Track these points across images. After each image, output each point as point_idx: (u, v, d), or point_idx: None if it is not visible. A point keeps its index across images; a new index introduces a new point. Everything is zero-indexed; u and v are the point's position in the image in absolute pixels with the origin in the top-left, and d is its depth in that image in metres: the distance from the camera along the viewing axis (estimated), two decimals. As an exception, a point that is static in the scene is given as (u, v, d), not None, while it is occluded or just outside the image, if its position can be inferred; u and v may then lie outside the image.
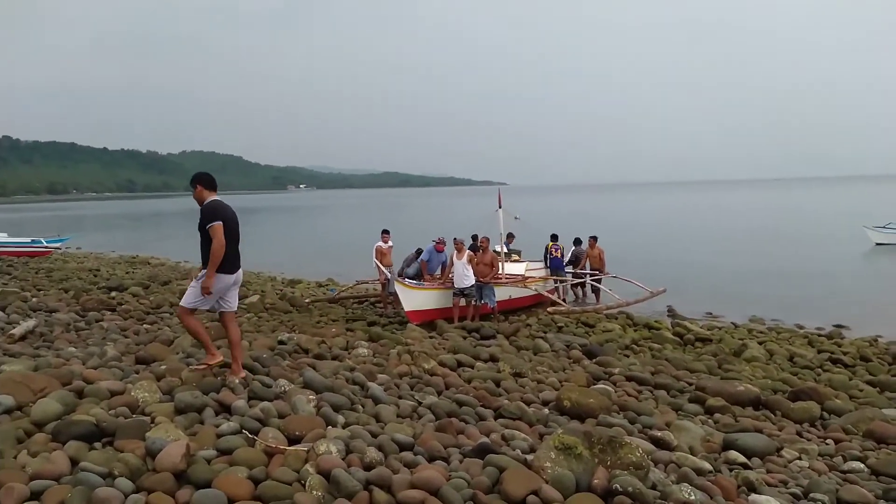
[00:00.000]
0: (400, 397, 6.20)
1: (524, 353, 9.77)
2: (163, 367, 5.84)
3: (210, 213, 5.49)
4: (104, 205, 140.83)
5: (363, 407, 5.55)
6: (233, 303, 5.82)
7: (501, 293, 13.38)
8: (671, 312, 15.35)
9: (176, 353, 6.86)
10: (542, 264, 16.30)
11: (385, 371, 7.23)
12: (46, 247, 25.03)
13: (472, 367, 8.35)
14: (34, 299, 11.32)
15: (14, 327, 8.00)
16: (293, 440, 4.38)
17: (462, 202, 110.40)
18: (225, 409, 4.87)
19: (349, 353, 8.07)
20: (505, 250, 15.30)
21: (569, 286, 16.23)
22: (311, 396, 5.18)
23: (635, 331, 12.69)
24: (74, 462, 3.73)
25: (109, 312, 10.47)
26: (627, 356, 10.33)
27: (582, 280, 15.93)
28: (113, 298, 12.08)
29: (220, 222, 5.43)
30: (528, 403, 6.71)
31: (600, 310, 14.06)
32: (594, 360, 9.59)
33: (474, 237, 14.46)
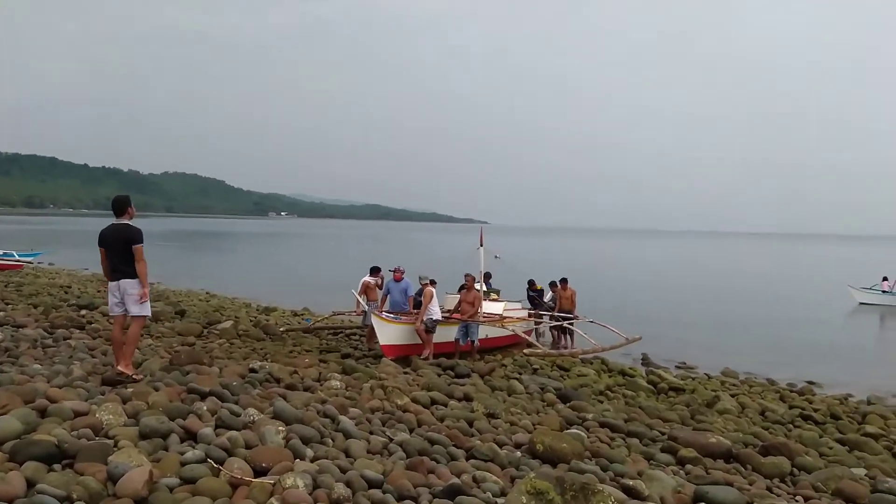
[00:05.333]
0: (371, 433, 6.09)
1: (498, 394, 9.69)
2: (129, 389, 5.71)
3: None
4: (81, 221, 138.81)
5: (333, 441, 5.44)
6: (131, 309, 6.71)
7: (479, 332, 13.33)
8: (645, 360, 15.40)
9: (143, 375, 6.71)
10: (519, 304, 16.30)
11: (357, 405, 7.11)
12: (18, 260, 24.62)
13: (446, 405, 8.24)
14: (1, 313, 11.06)
15: (-22, 341, 7.79)
16: (259, 472, 4.28)
17: (443, 238, 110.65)
18: (191, 437, 4.76)
19: (321, 385, 7.94)
20: (484, 288, 15.31)
21: (547, 328, 16.27)
22: (280, 427, 5.08)
23: (610, 377, 12.68)
24: (31, 483, 3.61)
25: (78, 331, 10.23)
26: (601, 402, 10.29)
27: (560, 323, 15.96)
28: (83, 317, 11.83)
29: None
30: (501, 445, 6.63)
31: (576, 354, 14.05)
32: (568, 405, 9.53)
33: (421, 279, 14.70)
